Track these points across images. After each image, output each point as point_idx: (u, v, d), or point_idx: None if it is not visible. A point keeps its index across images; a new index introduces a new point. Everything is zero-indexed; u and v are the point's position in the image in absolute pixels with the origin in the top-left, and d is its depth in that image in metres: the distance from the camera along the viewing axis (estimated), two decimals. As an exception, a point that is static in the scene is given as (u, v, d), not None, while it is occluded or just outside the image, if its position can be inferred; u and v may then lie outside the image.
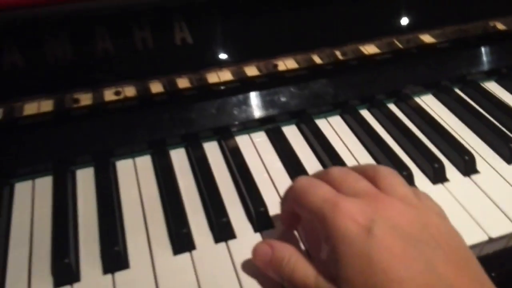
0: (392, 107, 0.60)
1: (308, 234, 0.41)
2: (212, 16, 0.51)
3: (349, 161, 0.51)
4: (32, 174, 0.49)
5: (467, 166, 0.49)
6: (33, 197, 0.47)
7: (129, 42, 0.48)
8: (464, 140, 0.54)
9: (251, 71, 0.57)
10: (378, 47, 0.62)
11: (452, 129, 0.56)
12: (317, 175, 0.38)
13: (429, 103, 0.61)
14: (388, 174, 0.36)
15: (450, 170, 0.50)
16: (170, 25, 0.49)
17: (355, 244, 0.30)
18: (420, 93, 0.63)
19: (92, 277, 0.39)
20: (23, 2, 0.42)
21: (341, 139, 0.55)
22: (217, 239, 0.42)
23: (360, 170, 0.37)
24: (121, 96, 0.51)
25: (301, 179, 0.37)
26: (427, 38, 0.64)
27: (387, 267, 0.29)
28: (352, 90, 0.59)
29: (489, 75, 0.65)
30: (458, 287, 0.29)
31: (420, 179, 0.49)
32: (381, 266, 0.29)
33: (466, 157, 0.50)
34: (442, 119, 0.58)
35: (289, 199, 0.38)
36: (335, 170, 0.37)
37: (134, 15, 0.48)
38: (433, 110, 0.59)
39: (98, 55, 0.48)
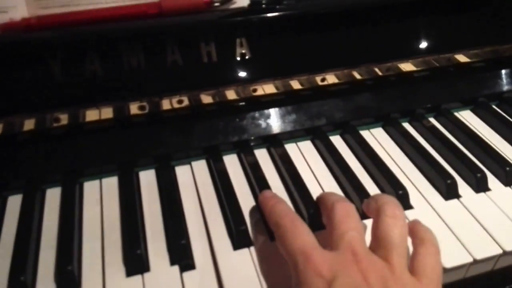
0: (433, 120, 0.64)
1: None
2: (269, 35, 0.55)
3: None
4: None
5: (508, 176, 0.52)
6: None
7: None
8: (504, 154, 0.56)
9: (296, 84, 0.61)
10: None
11: (492, 143, 0.59)
12: (324, 202, 0.40)
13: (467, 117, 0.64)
14: (389, 219, 0.36)
15: (492, 180, 0.52)
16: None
17: None
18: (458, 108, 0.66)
19: (160, 268, 0.42)
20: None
21: (384, 149, 0.58)
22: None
23: (369, 202, 0.40)
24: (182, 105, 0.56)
25: (287, 217, 0.38)
26: (462, 58, 0.68)
27: None
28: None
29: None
30: None
31: (462, 187, 0.51)
32: None
33: (508, 168, 0.52)
34: (480, 132, 0.61)
35: (271, 224, 0.40)
36: (339, 210, 0.37)
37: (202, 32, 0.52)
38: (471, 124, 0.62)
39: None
